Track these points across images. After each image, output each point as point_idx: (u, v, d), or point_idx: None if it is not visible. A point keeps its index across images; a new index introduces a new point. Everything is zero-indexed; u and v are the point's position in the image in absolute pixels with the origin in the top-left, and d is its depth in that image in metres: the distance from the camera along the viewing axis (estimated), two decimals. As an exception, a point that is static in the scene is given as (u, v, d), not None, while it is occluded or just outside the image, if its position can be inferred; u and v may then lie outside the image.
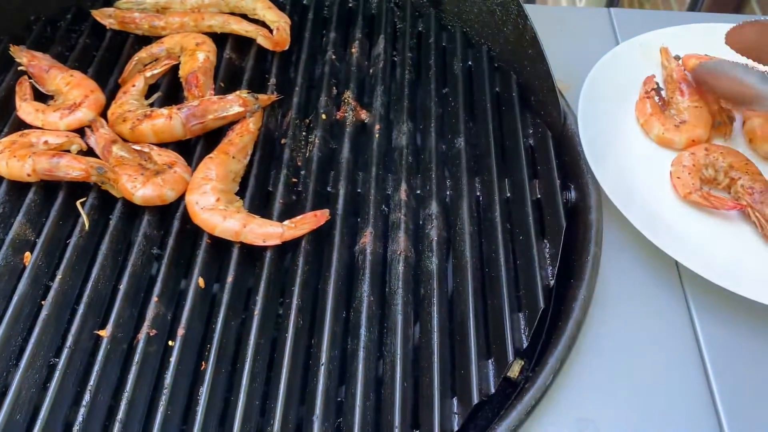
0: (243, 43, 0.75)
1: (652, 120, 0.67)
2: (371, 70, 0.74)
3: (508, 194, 0.64)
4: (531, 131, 0.69)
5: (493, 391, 0.51)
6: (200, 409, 0.48)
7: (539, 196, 0.64)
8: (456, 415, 0.50)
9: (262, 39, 0.73)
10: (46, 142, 0.62)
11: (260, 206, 0.61)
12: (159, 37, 0.74)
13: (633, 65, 0.73)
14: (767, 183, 0.62)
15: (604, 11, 0.84)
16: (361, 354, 0.52)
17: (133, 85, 0.68)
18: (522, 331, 0.54)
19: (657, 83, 0.71)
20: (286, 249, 0.58)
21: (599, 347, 0.54)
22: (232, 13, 0.77)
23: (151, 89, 0.70)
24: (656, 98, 0.70)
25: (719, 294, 0.56)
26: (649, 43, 0.74)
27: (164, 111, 0.64)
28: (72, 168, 0.59)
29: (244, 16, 0.77)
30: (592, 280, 0.56)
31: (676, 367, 0.54)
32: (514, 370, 0.54)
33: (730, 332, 0.56)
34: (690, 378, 0.53)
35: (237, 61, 0.74)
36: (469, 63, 0.76)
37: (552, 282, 0.57)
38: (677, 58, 0.73)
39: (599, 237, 0.59)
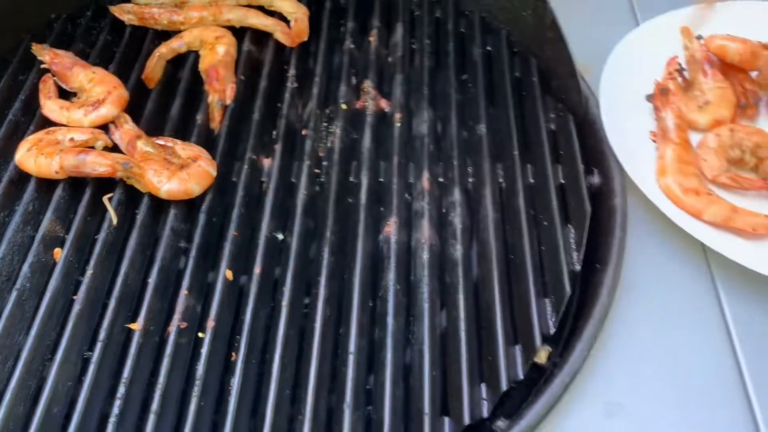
0: (262, 35, 0.75)
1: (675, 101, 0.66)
2: (390, 59, 0.74)
3: (531, 180, 0.64)
4: (553, 116, 0.68)
5: (521, 377, 0.51)
6: (232, 399, 0.49)
7: (562, 181, 0.64)
8: (485, 402, 0.50)
9: (280, 34, 0.74)
10: (71, 139, 0.63)
11: (284, 198, 0.61)
12: (178, 32, 0.75)
13: (654, 46, 0.72)
14: (795, 162, 0.61)
15: (624, -9, 0.83)
16: (389, 342, 0.52)
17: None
18: (549, 317, 0.55)
19: (680, 64, 0.70)
20: (311, 240, 0.59)
21: (626, 332, 0.54)
22: (250, 6, 0.77)
23: (173, 83, 0.71)
24: (679, 79, 0.69)
25: (747, 276, 0.56)
26: (670, 23, 0.73)
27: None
28: (98, 164, 0.60)
29: (262, 8, 0.77)
30: (618, 264, 0.56)
31: (705, 349, 0.54)
32: (542, 357, 0.54)
33: (759, 314, 0.56)
34: (719, 360, 0.53)
35: (256, 53, 0.74)
36: (488, 48, 0.75)
37: (578, 267, 0.57)
38: (699, 38, 0.72)
39: (624, 221, 0.59)
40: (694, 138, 0.65)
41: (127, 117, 0.65)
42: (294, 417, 0.50)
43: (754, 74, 0.70)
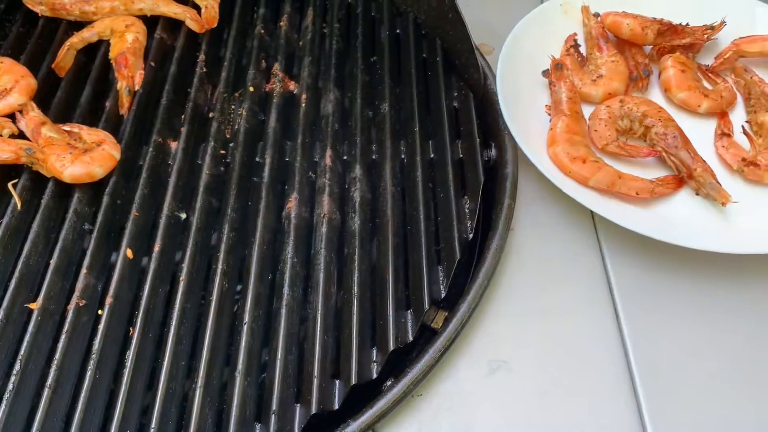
0: (174, 22, 0.76)
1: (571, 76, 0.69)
2: (300, 43, 0.76)
3: (432, 155, 0.66)
4: (455, 94, 0.71)
5: (411, 338, 0.53)
6: (127, 371, 0.50)
7: (461, 155, 0.66)
8: (375, 364, 0.52)
9: (189, 21, 0.75)
10: (-24, 128, 0.63)
11: (188, 179, 0.63)
12: (91, 23, 0.75)
13: (555, 25, 0.75)
14: (679, 128, 0.64)
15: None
16: (284, 312, 0.54)
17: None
18: (441, 282, 0.57)
19: (575, 41, 0.73)
20: (213, 218, 0.60)
21: (512, 293, 0.56)
22: (163, -5, 0.78)
23: (84, 72, 0.72)
24: (576, 55, 0.72)
25: (631, 240, 0.58)
26: (570, 2, 0.76)
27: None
28: (1, 150, 0.60)
29: (176, -2, 0.78)
30: (505, 230, 0.58)
31: (588, 308, 0.56)
32: (438, 321, 0.56)
33: (641, 274, 0.58)
34: (601, 319, 0.56)
35: (168, 40, 0.75)
36: (397, 31, 0.77)
37: (470, 235, 0.59)
38: (597, 15, 0.74)
39: (513, 190, 0.61)
40: (590, 111, 0.68)
41: (33, 105, 0.65)
42: (188, 388, 0.51)
43: (648, 49, 0.73)
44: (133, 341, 0.52)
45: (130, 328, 0.53)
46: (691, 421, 0.51)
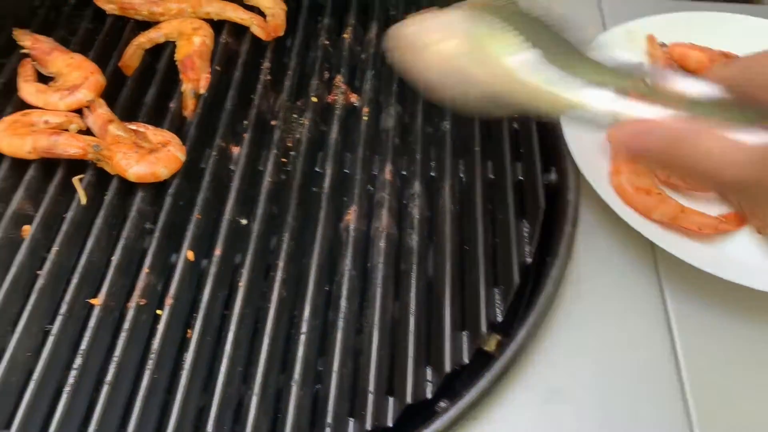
0: (240, 28, 0.77)
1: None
2: (363, 56, 0.76)
3: (491, 176, 0.66)
4: (516, 115, 0.71)
5: (466, 361, 0.53)
6: (185, 373, 0.51)
7: (521, 177, 0.66)
8: (429, 383, 0.52)
9: (255, 28, 0.76)
10: (46, 122, 0.65)
11: (249, 185, 0.63)
12: (158, 23, 0.77)
13: (620, 51, 0.74)
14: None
15: (593, -1, 0.85)
16: (340, 324, 0.54)
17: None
18: (497, 306, 0.56)
19: (641, 70, 0.72)
20: (273, 226, 0.61)
21: (571, 322, 0.56)
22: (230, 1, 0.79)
23: (150, 72, 0.73)
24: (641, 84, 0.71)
25: (692, 275, 0.57)
26: (635, 30, 0.76)
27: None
28: (70, 146, 0.62)
29: (242, 3, 0.79)
30: (566, 257, 0.58)
31: (646, 344, 0.56)
32: (491, 345, 0.56)
33: (700, 312, 0.58)
34: (659, 356, 0.55)
35: (233, 45, 0.76)
36: (459, 49, 0.77)
37: (529, 259, 0.59)
38: (663, 45, 0.74)
39: (576, 217, 0.61)
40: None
41: (102, 102, 0.67)
42: (244, 393, 0.51)
43: (713, 82, 0.72)
44: (192, 343, 0.52)
45: (188, 330, 0.54)
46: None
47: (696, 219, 0.60)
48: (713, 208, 0.63)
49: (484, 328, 0.54)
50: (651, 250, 0.61)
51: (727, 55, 0.71)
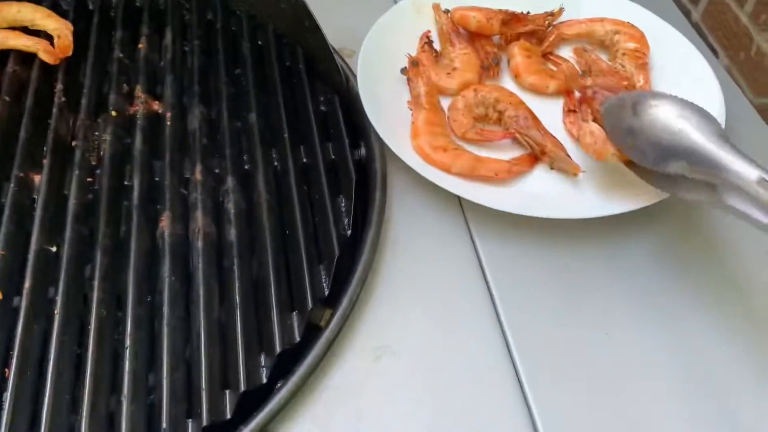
0: (28, 54, 0.74)
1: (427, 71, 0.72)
2: (161, 63, 0.75)
3: (304, 159, 0.68)
4: (322, 98, 0.73)
5: (297, 338, 0.54)
6: (5, 414, 0.49)
7: (333, 157, 0.68)
8: (264, 368, 0.53)
9: (42, 53, 0.73)
10: None
11: (55, 210, 0.61)
12: (-66, 60, 0.72)
13: (410, 24, 0.78)
14: (529, 109, 0.69)
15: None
16: (165, 330, 0.53)
17: None
18: (323, 282, 0.58)
19: (429, 37, 0.77)
20: (84, 247, 0.59)
21: (392, 282, 0.59)
22: (13, 28, 0.76)
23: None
24: (431, 52, 0.75)
25: (496, 216, 0.62)
26: (422, 1, 0.80)
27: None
28: None
29: (26, 29, 0.76)
30: (380, 222, 0.61)
31: (462, 286, 0.59)
32: (325, 319, 0.57)
33: (507, 248, 0.62)
34: (475, 296, 0.59)
35: (22, 73, 0.73)
36: (259, 43, 0.79)
37: (348, 232, 0.61)
38: (447, 11, 0.78)
39: (384, 184, 0.64)
40: (448, 103, 0.72)
41: None
42: (74, 421, 0.50)
43: (495, 39, 0.78)
44: (10, 382, 0.50)
45: (6, 369, 0.51)
46: (564, 380, 0.55)
47: (491, 166, 0.64)
48: (510, 155, 0.68)
49: (310, 304, 0.55)
50: (458, 202, 0.65)
51: (503, 13, 0.76)
